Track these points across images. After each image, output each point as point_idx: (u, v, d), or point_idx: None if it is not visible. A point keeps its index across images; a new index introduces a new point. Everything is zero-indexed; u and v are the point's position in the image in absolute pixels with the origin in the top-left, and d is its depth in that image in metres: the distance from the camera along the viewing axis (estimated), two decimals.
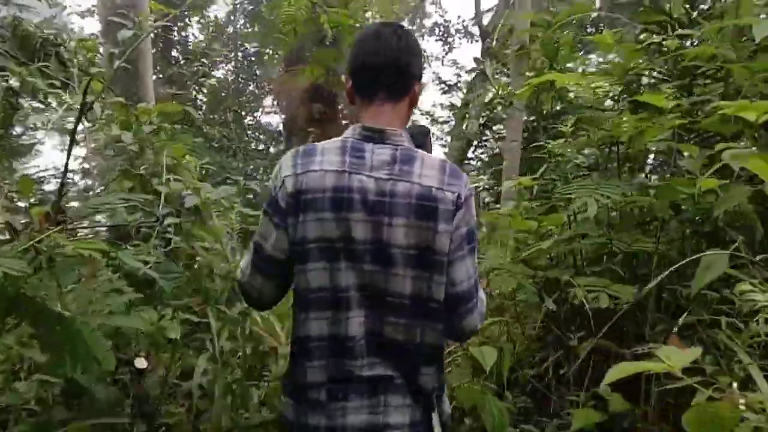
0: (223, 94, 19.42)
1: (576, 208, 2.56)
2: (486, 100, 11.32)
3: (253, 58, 20.46)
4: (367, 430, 1.28)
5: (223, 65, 21.20)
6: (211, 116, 17.23)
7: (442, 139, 16.05)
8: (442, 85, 14.33)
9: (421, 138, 2.43)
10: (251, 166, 7.54)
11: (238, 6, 20.29)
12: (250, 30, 19.15)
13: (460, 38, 15.78)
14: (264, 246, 1.38)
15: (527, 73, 6.10)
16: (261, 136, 19.05)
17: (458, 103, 12.83)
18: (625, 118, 2.45)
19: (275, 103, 12.25)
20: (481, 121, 11.46)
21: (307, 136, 9.46)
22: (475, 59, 11.18)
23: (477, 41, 16.08)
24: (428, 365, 1.36)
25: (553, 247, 2.60)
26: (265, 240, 1.38)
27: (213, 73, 20.10)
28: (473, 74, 12.94)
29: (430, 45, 18.29)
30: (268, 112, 18.81)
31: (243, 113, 19.62)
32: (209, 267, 2.58)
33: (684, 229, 2.39)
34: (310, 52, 9.51)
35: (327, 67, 9.27)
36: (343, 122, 9.92)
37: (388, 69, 1.38)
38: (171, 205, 2.56)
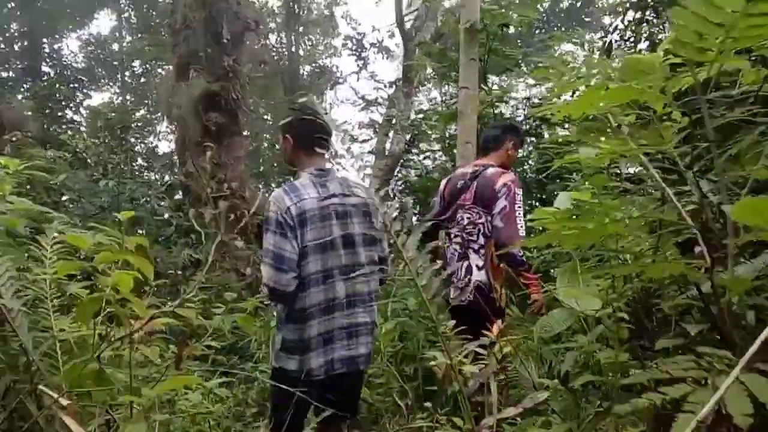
0: (107, 118, 17.36)
1: None
2: (411, 115, 10.23)
3: (143, 79, 18.51)
4: (347, 358, 2.25)
5: (109, 86, 19.10)
6: (93, 140, 15.05)
7: (362, 158, 15.02)
8: (359, 101, 13.15)
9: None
10: (133, 190, 5.89)
11: (124, 21, 18.35)
12: (138, 47, 17.28)
13: (375, 53, 14.77)
14: (284, 254, 2.17)
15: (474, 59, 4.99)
16: (153, 164, 16.89)
17: (380, 120, 11.76)
18: None
19: (168, 121, 10.42)
20: (407, 137, 10.39)
21: (202, 153, 7.80)
22: (405, 67, 10.06)
23: (392, 56, 15.13)
24: (372, 303, 2.39)
25: None
26: (283, 249, 2.17)
27: (95, 94, 17.96)
28: (393, 88, 11.89)
29: (342, 60, 17.02)
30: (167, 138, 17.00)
31: (132, 139, 17.62)
32: None
33: None
34: (205, 53, 7.94)
35: (224, 69, 7.73)
36: (244, 134, 8.36)
37: (329, 137, 2.45)
38: None
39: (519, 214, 2.99)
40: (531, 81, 6.62)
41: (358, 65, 14.39)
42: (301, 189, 2.23)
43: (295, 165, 2.40)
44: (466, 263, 3.06)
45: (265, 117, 16.26)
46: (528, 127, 6.62)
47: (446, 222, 3.25)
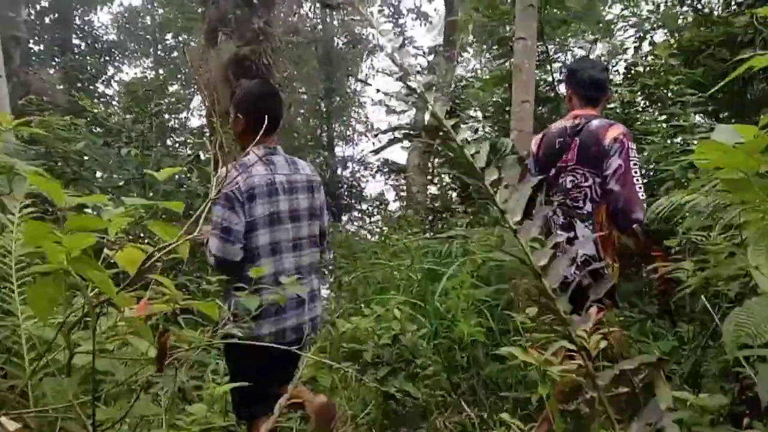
0: (140, 93, 17.18)
1: None
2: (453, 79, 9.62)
3: (175, 53, 18.28)
4: (297, 326, 2.41)
5: (142, 60, 18.92)
6: (125, 116, 14.89)
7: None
8: (396, 71, 12.54)
9: None
10: (158, 160, 5.54)
11: None
12: (171, 18, 16.99)
13: (413, 19, 14.14)
14: (232, 226, 2.26)
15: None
16: (187, 140, 16.63)
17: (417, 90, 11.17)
18: None
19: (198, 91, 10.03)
20: (448, 107, 9.78)
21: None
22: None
23: (430, 22, 14.47)
24: (316, 274, 2.59)
25: None
26: (231, 222, 2.26)
27: (127, 68, 17.81)
28: (433, 55, 11.27)
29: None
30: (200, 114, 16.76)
31: (165, 115, 17.41)
32: None
33: None
34: (234, 15, 7.49)
35: (254, 31, 7.27)
36: None
37: (279, 119, 2.53)
38: None
39: (636, 172, 2.48)
40: (591, 37, 5.98)
41: (394, 33, 13.75)
42: (250, 168, 2.37)
43: (244, 143, 2.48)
44: (570, 234, 2.58)
45: (300, 90, 15.83)
46: None
47: (544, 188, 2.77)
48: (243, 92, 2.55)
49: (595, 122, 2.64)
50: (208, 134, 9.32)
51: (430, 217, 8.91)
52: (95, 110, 5.44)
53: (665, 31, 6.24)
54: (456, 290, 3.28)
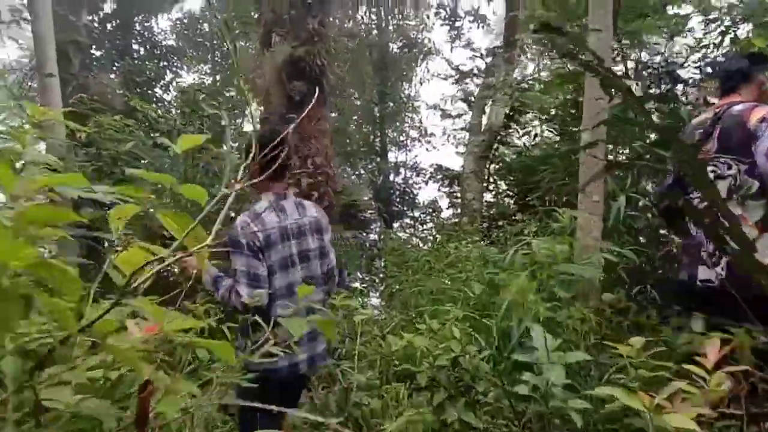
0: (197, 99, 17.46)
1: None
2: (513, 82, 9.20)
3: (232, 59, 18.50)
4: (309, 359, 2.59)
5: (200, 66, 19.26)
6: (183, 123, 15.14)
7: (455, 135, 14.05)
8: (452, 74, 12.22)
9: None
10: (209, 164, 5.42)
11: (214, 1, 18.39)
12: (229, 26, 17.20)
13: (470, 21, 13.76)
14: (259, 272, 2.46)
15: None
16: (242, 146, 16.76)
17: (475, 92, 10.82)
18: None
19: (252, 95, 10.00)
20: (506, 110, 9.39)
21: (283, 126, 7.22)
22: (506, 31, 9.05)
23: (488, 25, 14.05)
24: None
25: None
26: (257, 269, 2.46)
27: (184, 74, 18.15)
28: (491, 57, 10.87)
29: (434, 34, 16.06)
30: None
31: (222, 121, 17.61)
32: None
33: None
34: (289, 16, 7.37)
35: (308, 32, 7.11)
36: (329, 106, 7.76)
37: (288, 166, 2.68)
38: None
39: None
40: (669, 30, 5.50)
41: (451, 36, 13.43)
42: (263, 216, 2.53)
43: (257, 188, 2.62)
44: None
45: (355, 96, 15.70)
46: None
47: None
48: (255, 139, 2.54)
49: (737, 107, 2.42)
50: None
51: (486, 225, 8.54)
52: (146, 110, 5.36)
53: (749, 25, 5.71)
54: (522, 306, 2.93)
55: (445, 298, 4.29)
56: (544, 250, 3.33)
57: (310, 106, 7.42)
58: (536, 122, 10.90)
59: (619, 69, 5.76)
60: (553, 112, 9.08)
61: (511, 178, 9.49)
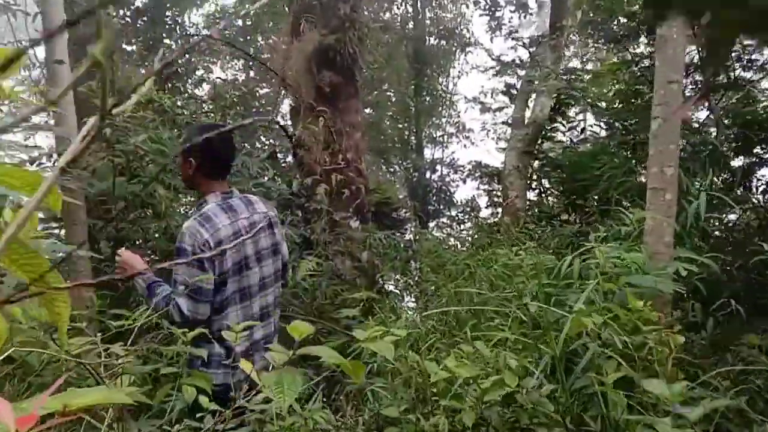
0: (229, 96, 17.25)
1: None
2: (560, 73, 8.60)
3: (266, 55, 18.27)
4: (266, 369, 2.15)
5: (234, 62, 19.08)
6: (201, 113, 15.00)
7: (495, 130, 13.41)
8: (492, 66, 11.64)
9: None
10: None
11: None
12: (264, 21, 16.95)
13: (511, 11, 13.16)
14: (203, 285, 2.27)
15: None
16: (275, 143, 16.55)
17: (517, 85, 10.23)
18: None
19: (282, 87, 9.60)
20: (552, 102, 8.79)
21: (314, 118, 6.83)
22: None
23: (529, 15, 13.43)
24: (278, 308, 2.69)
25: None
26: (201, 281, 2.25)
27: (218, 71, 17.97)
28: (535, 47, 10.26)
29: (473, 25, 15.50)
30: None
31: (261, 123, 17.37)
32: None
33: None
34: (319, 2, 6.96)
35: (339, 18, 6.68)
36: (361, 98, 7.28)
37: (232, 161, 2.57)
38: None
39: None
40: None
41: (491, 25, 12.83)
42: (213, 218, 2.37)
43: (195, 188, 2.49)
44: None
45: (389, 90, 15.22)
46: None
47: None
48: (193, 134, 2.51)
49: None
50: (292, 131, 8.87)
51: (532, 226, 7.97)
52: (162, 100, 5.00)
53: None
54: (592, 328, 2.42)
55: (489, 309, 3.80)
56: (614, 259, 2.81)
57: (341, 99, 6.99)
58: (583, 116, 10.26)
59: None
60: (603, 105, 8.48)
61: (556, 176, 8.90)
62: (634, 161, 6.93)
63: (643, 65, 5.86)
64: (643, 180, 6.19)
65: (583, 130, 10.23)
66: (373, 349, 1.56)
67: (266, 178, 5.86)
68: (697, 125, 5.52)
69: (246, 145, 9.15)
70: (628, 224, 3.43)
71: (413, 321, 4.42)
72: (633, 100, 6.34)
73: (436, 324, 4.82)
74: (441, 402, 2.23)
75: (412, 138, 15.01)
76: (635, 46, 6.53)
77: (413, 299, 8.11)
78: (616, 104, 7.44)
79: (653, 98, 3.54)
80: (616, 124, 8.32)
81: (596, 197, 5.90)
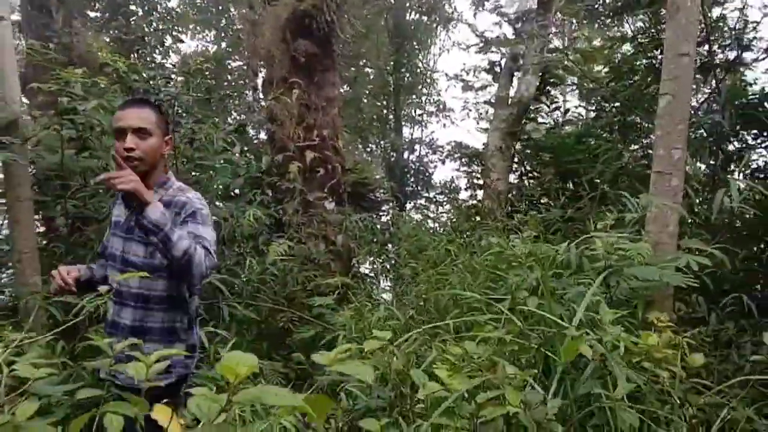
0: (202, 67, 16.58)
1: None
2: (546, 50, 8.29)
3: (240, 26, 17.58)
4: None
5: (205, 33, 18.35)
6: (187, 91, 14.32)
7: (477, 109, 13.07)
8: (475, 43, 11.26)
9: None
10: (193, 131, 4.59)
11: None
12: None
13: None
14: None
15: None
16: (249, 119, 15.94)
17: (502, 62, 9.88)
18: None
19: (253, 58, 9.09)
20: (538, 81, 8.47)
21: (288, 90, 6.42)
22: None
23: None
24: None
25: None
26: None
27: (188, 41, 17.24)
28: (523, 22, 9.92)
29: None
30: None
31: (229, 92, 16.77)
32: None
33: None
34: None
35: None
36: (338, 72, 6.87)
37: None
38: None
39: None
40: None
41: (474, 1, 12.43)
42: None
43: (153, 168, 2.23)
44: None
45: (367, 64, 14.73)
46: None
47: None
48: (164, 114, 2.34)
49: None
50: (262, 103, 8.41)
51: (509, 209, 7.70)
52: (116, 64, 4.54)
53: None
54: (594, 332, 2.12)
55: (478, 301, 3.50)
56: (620, 250, 2.52)
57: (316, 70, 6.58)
58: (570, 96, 9.99)
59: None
60: (591, 85, 8.21)
61: (539, 158, 8.63)
62: (622, 144, 6.69)
63: (641, 39, 5.56)
64: (632, 164, 5.97)
65: (566, 111, 9.98)
66: (348, 373, 1.21)
67: (236, 154, 5.46)
68: (696, 105, 5.26)
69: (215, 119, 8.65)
70: (632, 210, 3.14)
71: (390, 310, 4.11)
72: (628, 79, 6.05)
73: (415, 314, 4.52)
74: (427, 416, 1.92)
75: (391, 116, 14.62)
76: (634, 20, 6.24)
77: (389, 284, 7.82)
78: (606, 84, 7.16)
79: (662, 72, 3.23)
80: (603, 104, 8.09)
81: (585, 181, 5.61)
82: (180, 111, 4.87)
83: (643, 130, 6.95)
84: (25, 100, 7.16)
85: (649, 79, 5.96)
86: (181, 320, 2.22)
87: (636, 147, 7.15)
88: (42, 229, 4.95)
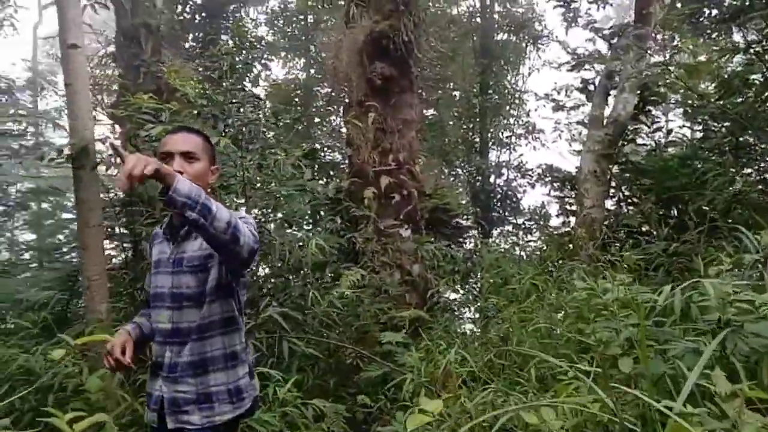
0: (293, 95, 16.94)
1: None
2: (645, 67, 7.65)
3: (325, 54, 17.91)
4: None
5: (295, 60, 18.82)
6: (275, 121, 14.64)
7: (569, 129, 12.36)
8: (567, 61, 10.70)
9: None
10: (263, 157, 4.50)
11: None
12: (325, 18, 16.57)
13: (589, 2, 12.11)
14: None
15: None
16: (338, 145, 15.99)
17: (596, 80, 9.30)
18: None
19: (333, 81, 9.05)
20: (636, 100, 7.84)
21: (364, 114, 6.24)
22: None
23: (610, 4, 12.39)
24: None
25: None
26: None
27: (276, 68, 17.73)
28: (619, 37, 9.29)
29: (546, 17, 14.51)
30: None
31: (316, 119, 17.03)
32: None
33: None
34: None
35: (395, 2, 6.07)
36: (411, 93, 6.61)
37: None
38: None
39: None
40: None
41: (566, 17, 11.87)
42: None
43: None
44: None
45: (453, 90, 14.46)
46: None
47: None
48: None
49: None
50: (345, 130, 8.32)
51: (605, 238, 7.07)
52: (184, 89, 4.53)
53: None
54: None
55: (566, 349, 3.07)
56: (738, 301, 2.04)
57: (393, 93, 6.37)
58: (672, 116, 9.21)
59: None
60: (697, 102, 7.47)
61: (640, 183, 7.94)
62: (734, 168, 5.98)
63: (755, 48, 4.92)
64: (747, 191, 5.27)
65: (669, 131, 9.19)
66: None
67: (308, 179, 5.31)
68: None
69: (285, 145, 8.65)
70: (749, 249, 2.61)
71: (460, 353, 3.73)
72: (741, 94, 5.39)
73: (493, 357, 4.12)
74: None
75: (477, 139, 14.21)
76: (747, 31, 5.59)
77: (473, 316, 7.39)
78: (714, 101, 6.46)
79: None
80: (710, 123, 7.33)
81: (691, 210, 4.98)
82: (250, 136, 4.79)
83: (758, 152, 6.23)
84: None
85: (766, 94, 5.30)
86: (240, 341, 2.13)
87: (750, 171, 6.42)
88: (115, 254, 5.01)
